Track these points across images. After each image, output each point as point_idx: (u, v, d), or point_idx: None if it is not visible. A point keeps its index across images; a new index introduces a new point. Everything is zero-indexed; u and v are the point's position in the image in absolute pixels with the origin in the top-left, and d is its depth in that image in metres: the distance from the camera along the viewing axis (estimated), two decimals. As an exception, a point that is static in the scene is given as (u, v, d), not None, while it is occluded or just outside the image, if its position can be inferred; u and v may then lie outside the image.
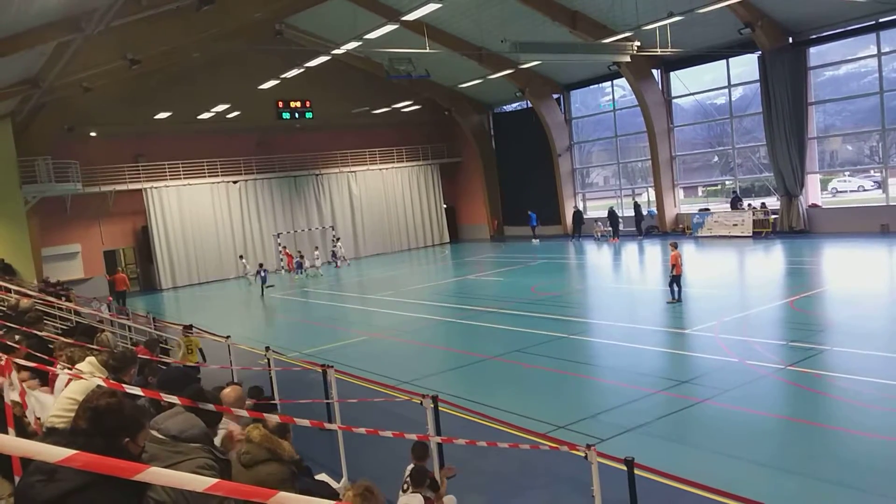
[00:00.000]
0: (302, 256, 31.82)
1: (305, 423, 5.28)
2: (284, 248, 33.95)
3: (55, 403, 4.91)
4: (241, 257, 32.40)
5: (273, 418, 5.08)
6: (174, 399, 4.42)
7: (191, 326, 13.65)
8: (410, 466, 6.33)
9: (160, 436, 3.43)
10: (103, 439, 3.09)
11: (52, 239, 29.74)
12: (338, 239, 35.28)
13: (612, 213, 32.34)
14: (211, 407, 4.43)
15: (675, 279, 16.33)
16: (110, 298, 24.89)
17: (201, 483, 1.97)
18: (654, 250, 27.69)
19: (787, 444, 8.20)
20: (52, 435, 3.51)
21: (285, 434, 5.36)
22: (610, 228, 32.10)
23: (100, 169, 30.64)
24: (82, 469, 1.90)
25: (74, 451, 1.88)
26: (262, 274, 27.19)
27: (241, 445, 4.50)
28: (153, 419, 3.62)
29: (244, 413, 5.10)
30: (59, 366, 5.84)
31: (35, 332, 8.07)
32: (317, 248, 33.36)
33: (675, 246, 16.91)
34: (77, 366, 5.65)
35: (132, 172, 31.74)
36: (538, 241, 34.83)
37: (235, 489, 2.06)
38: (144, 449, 3.37)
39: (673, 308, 16.00)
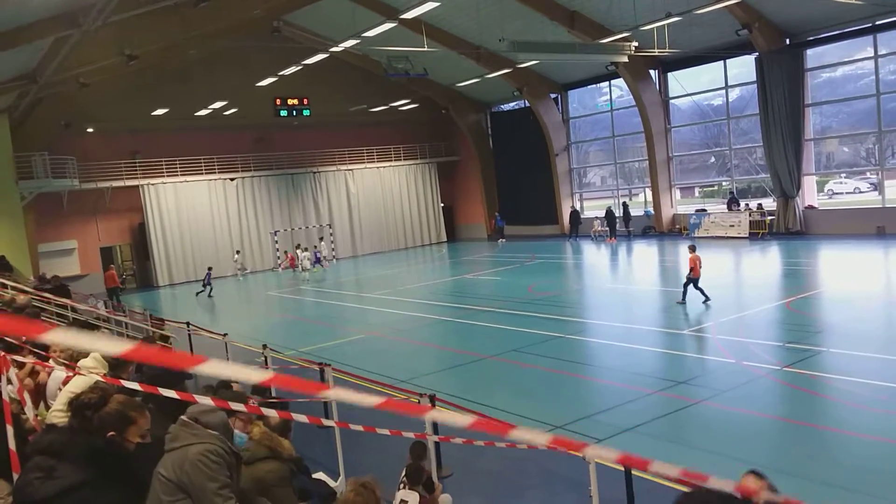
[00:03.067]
0: (315, 248, 31.85)
1: (303, 418, 5.27)
2: (286, 252, 33.96)
3: (57, 399, 4.90)
4: (237, 252, 32.68)
5: (273, 414, 5.08)
6: (171, 394, 4.42)
7: (161, 320, 14.02)
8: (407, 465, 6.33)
9: (186, 419, 3.70)
10: (88, 433, 3.08)
11: (49, 235, 29.65)
12: (301, 247, 31.61)
13: (609, 213, 32.38)
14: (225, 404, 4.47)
15: (693, 281, 15.97)
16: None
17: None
18: (650, 250, 27.74)
19: (783, 445, 8.22)
20: (50, 432, 3.50)
21: (286, 432, 5.37)
22: (607, 228, 32.16)
23: (97, 165, 30.56)
24: (86, 454, 1.89)
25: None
26: (208, 278, 27.11)
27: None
28: (189, 408, 3.82)
29: (243, 409, 5.09)
30: (53, 362, 5.82)
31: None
32: (320, 240, 33.45)
33: (693, 249, 16.45)
34: (81, 361, 5.64)
35: (129, 169, 31.65)
36: (500, 242, 35.63)
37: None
38: (147, 440, 3.44)
39: (670, 308, 16.03)
